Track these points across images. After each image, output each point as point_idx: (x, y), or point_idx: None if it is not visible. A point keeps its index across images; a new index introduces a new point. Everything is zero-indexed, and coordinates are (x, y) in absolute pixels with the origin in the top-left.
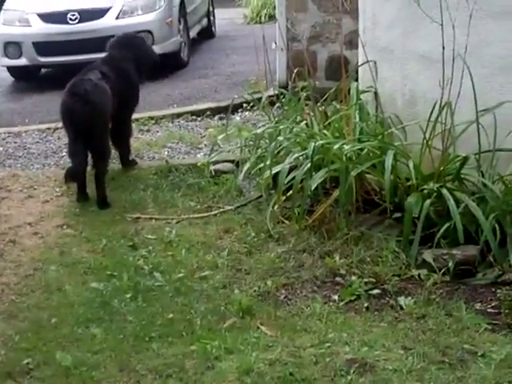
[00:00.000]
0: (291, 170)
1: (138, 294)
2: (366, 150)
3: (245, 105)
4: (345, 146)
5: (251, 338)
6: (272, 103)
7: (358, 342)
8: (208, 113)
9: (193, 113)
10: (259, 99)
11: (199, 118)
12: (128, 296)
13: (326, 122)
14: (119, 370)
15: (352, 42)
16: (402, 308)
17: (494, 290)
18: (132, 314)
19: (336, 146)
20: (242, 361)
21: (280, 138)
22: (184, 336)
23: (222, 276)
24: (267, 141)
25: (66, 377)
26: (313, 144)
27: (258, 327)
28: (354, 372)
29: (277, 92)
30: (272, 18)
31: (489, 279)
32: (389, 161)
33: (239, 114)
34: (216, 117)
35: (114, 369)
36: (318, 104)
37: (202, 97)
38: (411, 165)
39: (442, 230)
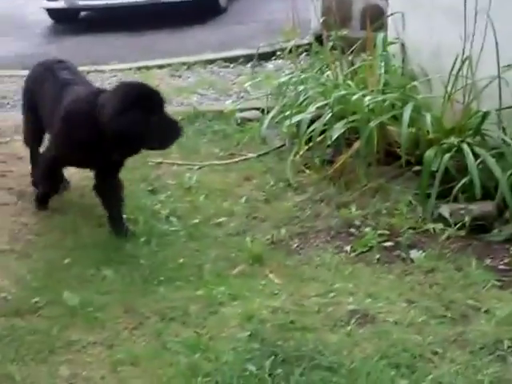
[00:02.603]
0: (315, 120)
1: (151, 238)
2: (387, 102)
3: (278, 52)
4: (366, 97)
5: (258, 285)
6: (306, 51)
7: (362, 294)
8: (241, 60)
9: (226, 59)
10: (294, 47)
11: (232, 65)
12: (142, 240)
13: (349, 72)
14: (124, 311)
15: None
16: (412, 261)
17: (508, 246)
18: (144, 258)
19: (355, 97)
20: (246, 307)
21: (301, 88)
22: (192, 281)
23: (237, 223)
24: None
25: (72, 316)
26: (334, 94)
27: (267, 275)
28: (354, 323)
29: (309, 41)
30: None
31: (504, 236)
32: (407, 113)
33: (272, 61)
34: (249, 64)
35: (118, 310)
36: (348, 54)
37: (237, 43)
38: (428, 118)
39: (459, 185)
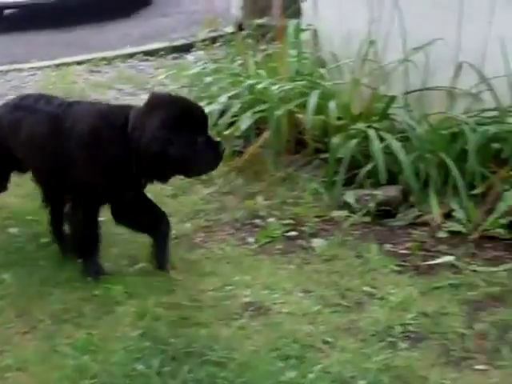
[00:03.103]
0: (225, 110)
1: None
2: (297, 90)
3: (199, 43)
4: (275, 85)
5: (156, 282)
6: (228, 41)
7: (259, 285)
8: (162, 53)
9: (146, 53)
10: (214, 38)
11: (152, 58)
12: (44, 241)
13: (261, 61)
14: (17, 315)
15: None
16: (313, 250)
17: (410, 231)
18: (45, 259)
19: (260, 86)
20: (140, 305)
21: (209, 78)
22: (90, 281)
23: None
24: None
25: None
26: (244, 84)
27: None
28: (247, 316)
29: (230, 30)
30: None
31: (407, 220)
32: (313, 100)
33: (192, 53)
34: (169, 56)
35: (11, 314)
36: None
37: (159, 36)
38: (333, 105)
39: (365, 171)
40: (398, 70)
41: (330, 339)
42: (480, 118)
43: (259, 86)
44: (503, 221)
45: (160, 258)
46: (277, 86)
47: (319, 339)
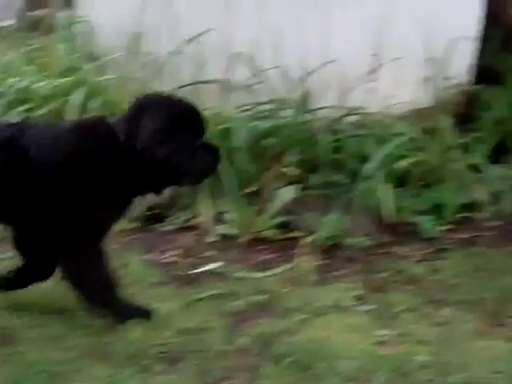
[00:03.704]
0: None
1: None
2: (63, 87)
3: None
4: (39, 83)
5: None
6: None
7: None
8: None
9: None
10: None
11: None
12: None
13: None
14: None
15: None
16: None
17: (178, 236)
18: None
19: (24, 84)
20: None
21: None
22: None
23: None
24: None
25: None
26: (8, 81)
27: None
28: None
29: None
30: None
31: (176, 224)
32: (77, 97)
33: None
34: None
35: None
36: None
37: None
38: (97, 102)
39: None
40: (172, 62)
41: (81, 366)
42: (254, 112)
43: (23, 84)
44: (274, 221)
45: None
46: (42, 83)
47: (70, 367)
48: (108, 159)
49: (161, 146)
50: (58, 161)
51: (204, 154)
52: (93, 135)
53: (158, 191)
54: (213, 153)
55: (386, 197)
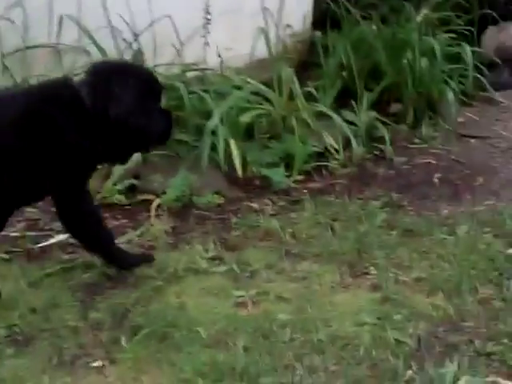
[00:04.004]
0: None
1: None
2: None
3: None
4: None
5: None
6: None
7: None
8: None
9: None
10: None
11: None
12: None
13: None
14: None
15: None
16: None
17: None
18: None
19: None
20: None
21: None
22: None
23: None
24: None
25: None
26: None
27: None
28: None
29: None
30: None
31: None
32: None
33: None
34: None
35: None
36: None
37: None
38: None
39: None
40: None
41: None
42: None
43: None
44: (121, 186)
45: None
46: None
47: None
48: (73, 124)
49: (135, 114)
50: (19, 125)
51: (165, 118)
52: (57, 98)
53: (124, 159)
54: (169, 116)
55: (233, 152)
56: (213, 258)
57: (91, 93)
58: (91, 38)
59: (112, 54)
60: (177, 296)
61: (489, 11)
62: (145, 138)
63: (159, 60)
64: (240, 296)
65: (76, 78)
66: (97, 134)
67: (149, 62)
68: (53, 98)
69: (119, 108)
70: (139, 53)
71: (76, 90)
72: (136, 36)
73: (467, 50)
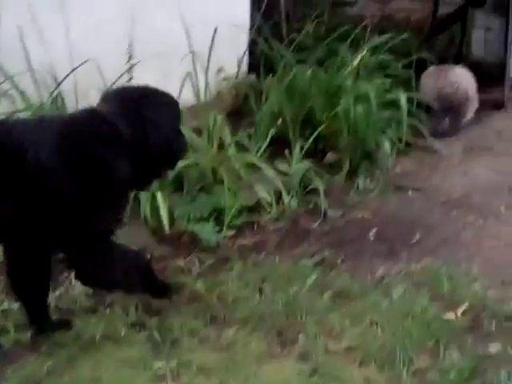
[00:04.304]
0: None
1: None
2: None
3: None
4: None
5: None
6: None
7: None
8: None
9: None
10: None
11: None
12: None
13: None
14: None
15: None
16: None
17: None
18: None
19: None
20: None
21: None
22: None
23: None
24: None
25: None
26: None
27: None
28: None
29: None
30: None
31: None
32: None
33: None
34: None
35: None
36: None
37: None
38: None
39: None
40: None
41: None
42: None
43: None
44: None
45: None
46: None
47: None
48: (118, 157)
49: (174, 140)
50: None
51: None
52: (97, 133)
53: (150, 184)
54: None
55: (161, 205)
56: (133, 324)
57: (126, 123)
58: (12, 82)
59: (34, 98)
60: (91, 368)
61: (428, 54)
62: (176, 161)
63: (84, 103)
64: (160, 368)
65: (99, 108)
66: (134, 163)
67: (71, 105)
68: (97, 137)
69: (159, 135)
70: (58, 97)
71: (113, 123)
72: (56, 80)
73: (402, 97)
